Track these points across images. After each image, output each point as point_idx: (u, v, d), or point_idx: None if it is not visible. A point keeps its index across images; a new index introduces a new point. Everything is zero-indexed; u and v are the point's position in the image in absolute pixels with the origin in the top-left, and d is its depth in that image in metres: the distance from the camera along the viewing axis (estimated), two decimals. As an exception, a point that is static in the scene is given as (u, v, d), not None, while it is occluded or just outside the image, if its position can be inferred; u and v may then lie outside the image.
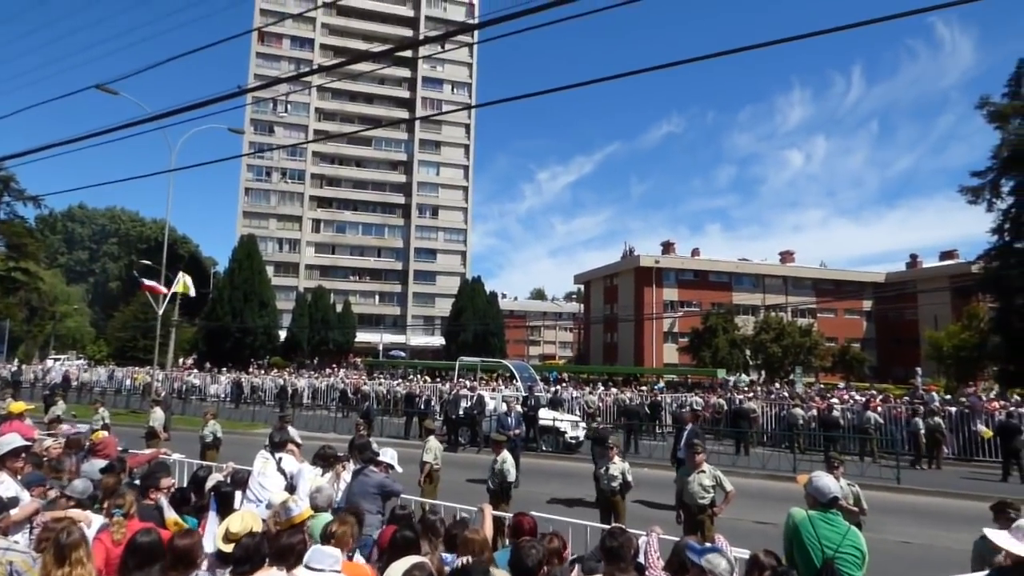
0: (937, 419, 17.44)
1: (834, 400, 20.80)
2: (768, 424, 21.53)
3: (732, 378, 34.32)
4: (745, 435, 18.88)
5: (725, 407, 22.27)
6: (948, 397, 22.96)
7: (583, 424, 19.70)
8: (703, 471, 7.65)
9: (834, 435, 17.75)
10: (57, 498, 4.64)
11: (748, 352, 47.74)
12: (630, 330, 57.44)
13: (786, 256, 63.19)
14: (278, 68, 65.94)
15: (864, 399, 20.81)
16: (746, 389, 27.06)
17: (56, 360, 49.08)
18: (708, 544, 4.29)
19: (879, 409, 18.92)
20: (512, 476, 9.23)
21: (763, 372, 47.08)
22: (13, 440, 5.01)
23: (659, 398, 23.50)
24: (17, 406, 8.57)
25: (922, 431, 17.29)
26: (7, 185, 33.26)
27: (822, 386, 33.21)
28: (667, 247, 60.96)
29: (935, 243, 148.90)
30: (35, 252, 37.18)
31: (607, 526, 5.29)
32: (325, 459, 6.42)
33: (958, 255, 55.96)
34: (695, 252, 61.55)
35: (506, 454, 9.38)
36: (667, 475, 14.38)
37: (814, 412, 20.01)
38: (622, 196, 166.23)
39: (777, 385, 32.10)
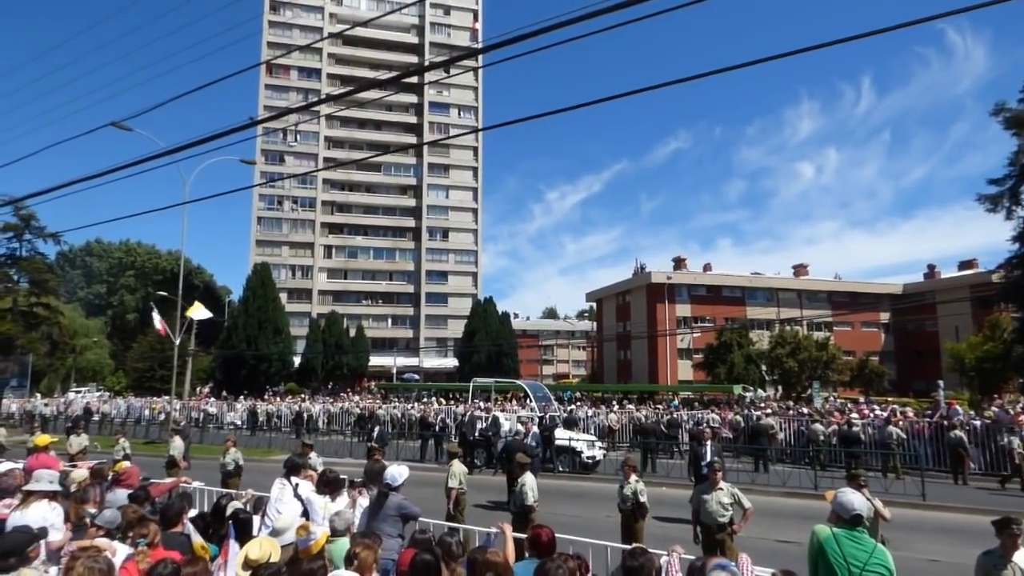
0: (959, 433, 17.13)
1: (854, 415, 20.49)
2: (787, 440, 21.23)
3: (748, 394, 33.87)
4: (764, 452, 18.63)
5: (743, 423, 22.03)
6: (972, 412, 22.50)
7: (599, 444, 19.56)
8: (721, 488, 7.61)
9: (855, 451, 17.47)
10: (86, 528, 4.71)
11: (764, 367, 47.24)
12: (643, 347, 57.12)
13: (799, 269, 62.77)
14: (287, 99, 67.24)
15: (885, 414, 20.47)
16: (763, 405, 26.71)
17: (77, 393, 49.67)
18: (725, 561, 4.25)
19: (901, 423, 18.61)
20: (531, 499, 9.01)
21: (780, 387, 46.49)
22: (51, 480, 5.19)
23: (676, 415, 23.27)
24: (42, 439, 8.75)
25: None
26: (28, 223, 33.93)
27: (840, 401, 32.70)
28: (679, 263, 60.77)
29: (953, 253, 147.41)
30: (55, 287, 37.85)
31: (628, 546, 5.25)
32: (329, 484, 6.27)
33: (978, 264, 55.18)
34: (707, 267, 61.32)
35: (528, 476, 9.10)
36: (687, 494, 14.24)
37: (834, 427, 19.73)
38: (632, 213, 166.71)
39: (794, 401, 31.69)
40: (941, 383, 27.50)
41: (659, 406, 27.94)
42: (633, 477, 8.93)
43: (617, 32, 6.03)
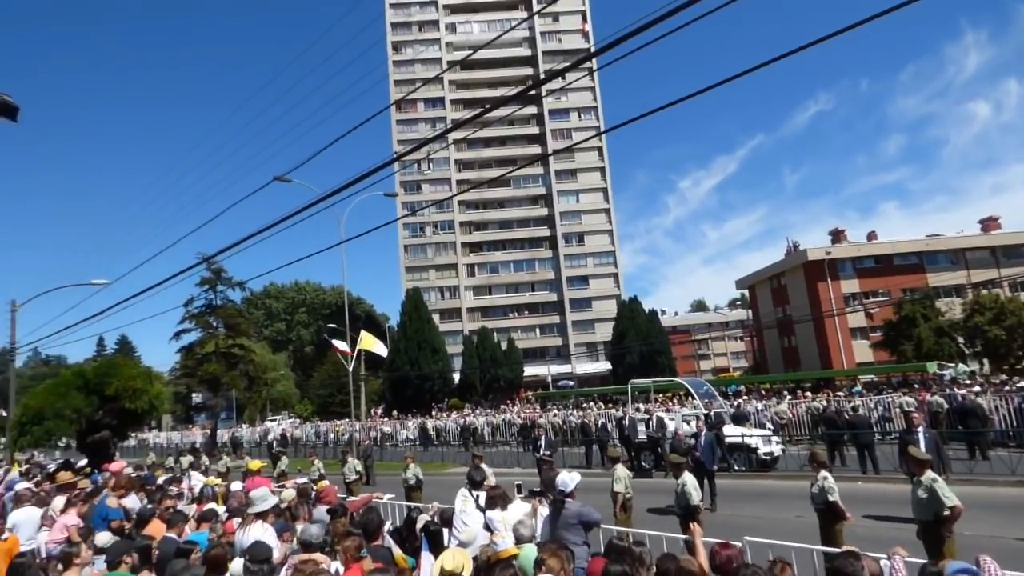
0: None
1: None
2: (1005, 421, 18.33)
3: (948, 371, 29.71)
4: (982, 437, 16.22)
5: (946, 405, 19.40)
6: None
7: (776, 438, 18.23)
8: (920, 482, 6.80)
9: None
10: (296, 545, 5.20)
11: (961, 339, 41.41)
12: (809, 331, 52.65)
13: (989, 223, 54.46)
14: (417, 130, 71.26)
15: None
16: (968, 382, 23.33)
17: (272, 421, 56.16)
18: (965, 565, 3.69)
19: None
20: (695, 499, 8.69)
21: (985, 361, 40.48)
22: (267, 497, 5.81)
23: (831, 403, 20.94)
24: (255, 464, 9.92)
25: None
26: (219, 275, 39.01)
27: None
28: (837, 236, 55.57)
29: None
30: (246, 329, 43.01)
31: (835, 550, 4.75)
32: (494, 498, 6.34)
33: None
34: (871, 236, 55.39)
35: (687, 476, 8.87)
36: (885, 488, 12.79)
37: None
38: (775, 190, 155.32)
39: (1008, 375, 27.32)
40: None
41: (839, 393, 25.52)
42: (822, 473, 8.19)
43: (732, 7, 5.58)
